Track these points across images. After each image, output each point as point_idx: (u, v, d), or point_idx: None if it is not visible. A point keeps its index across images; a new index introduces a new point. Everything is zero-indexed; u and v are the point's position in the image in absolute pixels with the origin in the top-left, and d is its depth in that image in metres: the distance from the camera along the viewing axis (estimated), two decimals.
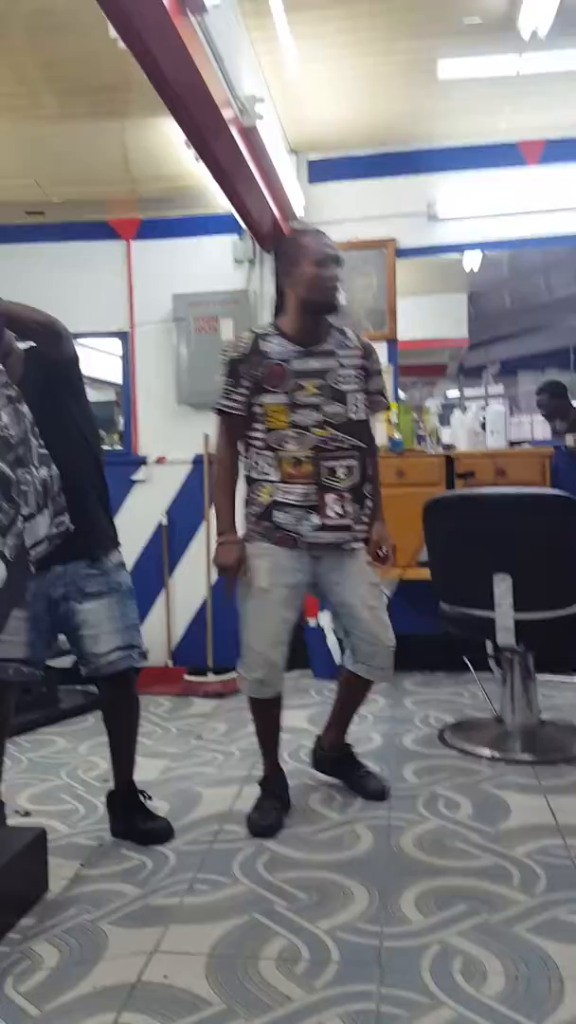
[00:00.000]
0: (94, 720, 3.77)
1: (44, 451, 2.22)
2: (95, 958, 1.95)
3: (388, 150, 4.49)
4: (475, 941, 1.96)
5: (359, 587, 2.67)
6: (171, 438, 4.64)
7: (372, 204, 4.51)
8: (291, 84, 3.73)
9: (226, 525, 2.66)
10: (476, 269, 5.96)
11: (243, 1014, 1.72)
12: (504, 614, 3.06)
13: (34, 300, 2.31)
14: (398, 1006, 1.73)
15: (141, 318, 4.66)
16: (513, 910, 2.10)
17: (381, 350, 4.33)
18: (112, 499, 2.62)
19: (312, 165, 4.57)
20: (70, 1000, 1.79)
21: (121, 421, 4.96)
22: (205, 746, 3.47)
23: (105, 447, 4.69)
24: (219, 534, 2.67)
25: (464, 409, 5.33)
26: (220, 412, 2.65)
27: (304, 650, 4.27)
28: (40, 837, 2.29)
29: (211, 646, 4.55)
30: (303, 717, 3.68)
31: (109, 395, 6.38)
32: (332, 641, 4.22)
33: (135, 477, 4.65)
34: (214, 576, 4.49)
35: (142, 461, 4.67)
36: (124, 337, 4.71)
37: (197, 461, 4.59)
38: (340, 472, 2.61)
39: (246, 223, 4.16)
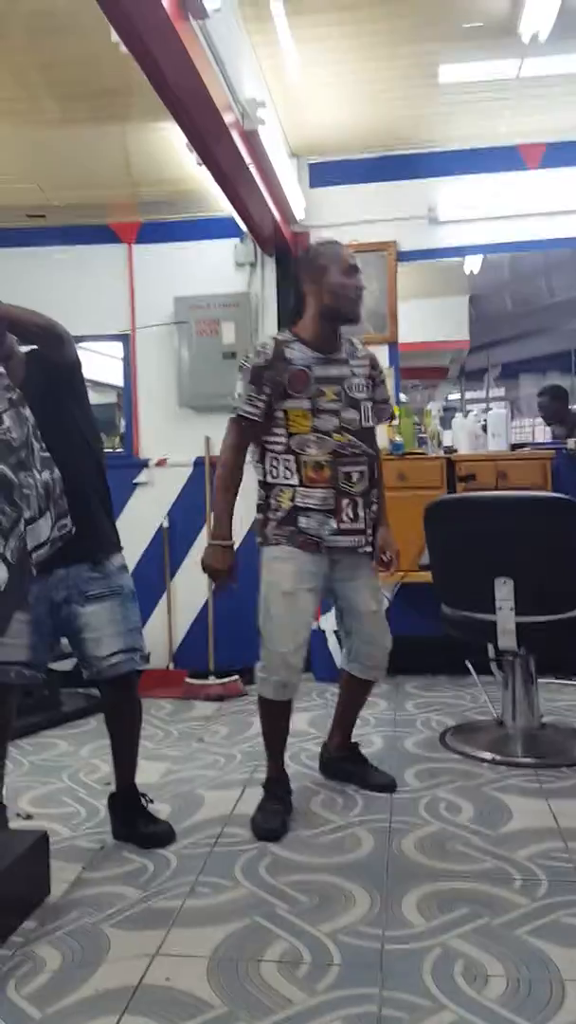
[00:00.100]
0: (96, 723, 3.77)
1: (46, 454, 2.22)
2: (97, 961, 1.95)
3: (389, 153, 4.50)
4: (476, 944, 1.96)
5: (367, 590, 2.77)
6: (172, 441, 4.64)
7: (373, 207, 4.51)
8: (292, 88, 3.74)
9: (224, 529, 2.69)
10: (477, 272, 5.95)
11: (245, 1017, 1.72)
12: (505, 617, 3.06)
13: (35, 303, 2.32)
14: (400, 1009, 1.73)
15: (142, 321, 4.66)
16: (514, 913, 2.09)
17: (383, 353, 4.36)
18: (114, 502, 2.62)
19: (313, 168, 4.58)
20: (72, 1003, 1.79)
21: (122, 424, 4.96)
22: (206, 749, 3.47)
23: (106, 450, 4.69)
24: (213, 536, 2.69)
25: (465, 412, 5.33)
26: (240, 418, 2.66)
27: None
28: (42, 840, 2.29)
29: (212, 649, 4.54)
30: (304, 720, 3.68)
31: (110, 398, 6.38)
32: (334, 644, 4.22)
33: (137, 480, 4.65)
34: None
35: (143, 464, 4.68)
36: (125, 340, 4.71)
37: (198, 463, 4.60)
38: (355, 477, 2.68)
39: (247, 226, 4.17)
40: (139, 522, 4.51)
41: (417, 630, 3.64)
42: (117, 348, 4.82)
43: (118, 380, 4.95)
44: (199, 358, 4.51)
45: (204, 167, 3.41)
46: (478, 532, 3.11)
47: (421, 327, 6.21)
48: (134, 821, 2.60)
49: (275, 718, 2.75)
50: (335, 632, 3.27)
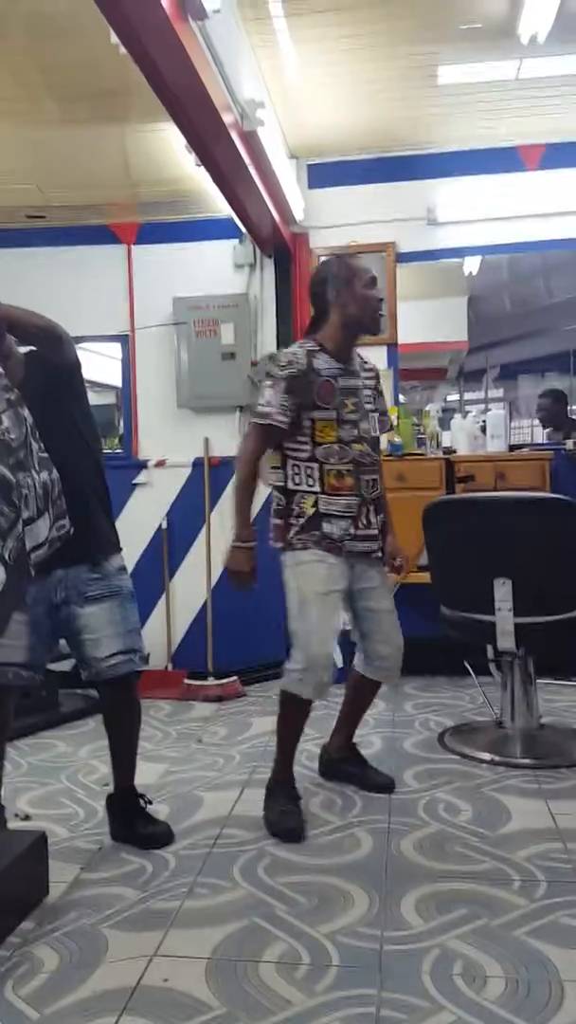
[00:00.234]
0: (94, 724, 3.76)
1: (45, 455, 2.22)
2: (95, 962, 1.95)
3: (388, 155, 4.50)
4: (475, 945, 1.96)
5: (383, 589, 2.85)
6: (171, 442, 4.65)
7: (372, 209, 4.51)
8: (291, 89, 3.75)
9: (246, 530, 2.71)
10: (476, 273, 5.96)
11: (243, 1018, 1.72)
12: (504, 618, 3.06)
13: (34, 304, 2.31)
14: (398, 1010, 1.73)
15: (141, 322, 4.66)
16: (513, 914, 2.09)
17: (381, 354, 4.37)
18: (113, 503, 2.62)
19: (312, 169, 4.58)
20: (70, 1004, 1.79)
21: (121, 425, 4.97)
22: (205, 750, 3.47)
23: (105, 451, 4.69)
24: (237, 539, 2.70)
25: (464, 413, 5.33)
26: (268, 426, 2.67)
27: None
28: (40, 841, 2.29)
29: (211, 650, 4.54)
30: None
31: (109, 398, 6.38)
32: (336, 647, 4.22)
33: (136, 481, 4.65)
34: (215, 579, 4.51)
35: (142, 465, 4.68)
36: (124, 341, 4.71)
37: (197, 464, 4.60)
38: (370, 484, 2.76)
39: (246, 227, 4.17)
40: (138, 523, 4.51)
41: (416, 631, 3.61)
42: (116, 349, 4.83)
43: (117, 381, 4.96)
44: (198, 359, 4.51)
45: (203, 168, 3.42)
46: (477, 533, 3.11)
47: (420, 328, 6.21)
48: (133, 822, 2.60)
49: (299, 719, 2.76)
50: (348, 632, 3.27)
